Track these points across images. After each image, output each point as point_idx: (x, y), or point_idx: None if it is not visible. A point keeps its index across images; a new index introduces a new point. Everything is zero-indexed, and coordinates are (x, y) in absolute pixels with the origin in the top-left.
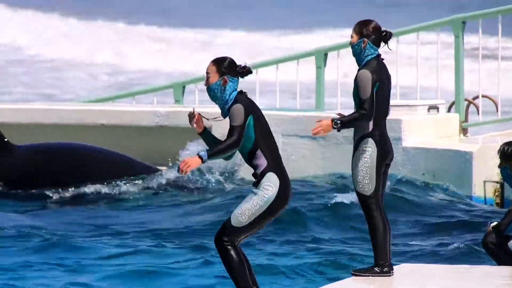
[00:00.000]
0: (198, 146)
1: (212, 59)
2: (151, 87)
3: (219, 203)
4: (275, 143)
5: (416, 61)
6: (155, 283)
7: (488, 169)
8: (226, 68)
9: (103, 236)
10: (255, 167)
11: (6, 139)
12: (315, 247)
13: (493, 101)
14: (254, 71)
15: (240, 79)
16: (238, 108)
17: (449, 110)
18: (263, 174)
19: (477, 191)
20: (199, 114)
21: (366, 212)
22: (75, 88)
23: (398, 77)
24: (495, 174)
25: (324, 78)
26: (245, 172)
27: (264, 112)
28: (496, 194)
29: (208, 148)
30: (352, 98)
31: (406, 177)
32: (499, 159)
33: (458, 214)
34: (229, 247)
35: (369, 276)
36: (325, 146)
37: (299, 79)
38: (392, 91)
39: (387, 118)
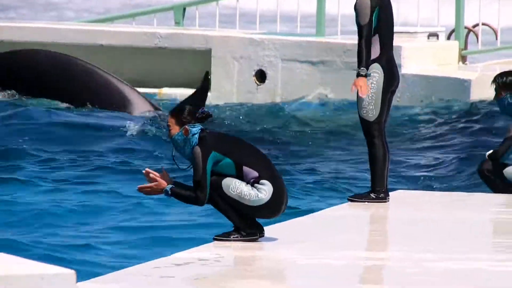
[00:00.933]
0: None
1: (170, 110)
2: (151, 8)
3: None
4: (259, 151)
5: None
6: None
7: (486, 97)
8: (186, 117)
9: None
10: (251, 183)
11: None
12: (312, 170)
13: (492, 29)
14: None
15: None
16: (197, 153)
17: (448, 38)
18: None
19: None
20: (164, 170)
21: (368, 139)
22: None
23: (399, 5)
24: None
25: (325, 3)
26: None
27: (263, 37)
28: None
29: (177, 183)
30: (355, 26)
31: (405, 104)
32: (495, 91)
33: (456, 141)
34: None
35: (365, 202)
36: (325, 71)
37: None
38: None
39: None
